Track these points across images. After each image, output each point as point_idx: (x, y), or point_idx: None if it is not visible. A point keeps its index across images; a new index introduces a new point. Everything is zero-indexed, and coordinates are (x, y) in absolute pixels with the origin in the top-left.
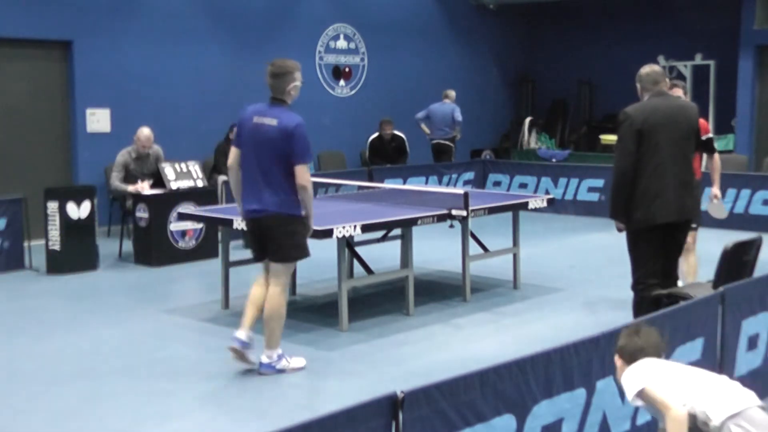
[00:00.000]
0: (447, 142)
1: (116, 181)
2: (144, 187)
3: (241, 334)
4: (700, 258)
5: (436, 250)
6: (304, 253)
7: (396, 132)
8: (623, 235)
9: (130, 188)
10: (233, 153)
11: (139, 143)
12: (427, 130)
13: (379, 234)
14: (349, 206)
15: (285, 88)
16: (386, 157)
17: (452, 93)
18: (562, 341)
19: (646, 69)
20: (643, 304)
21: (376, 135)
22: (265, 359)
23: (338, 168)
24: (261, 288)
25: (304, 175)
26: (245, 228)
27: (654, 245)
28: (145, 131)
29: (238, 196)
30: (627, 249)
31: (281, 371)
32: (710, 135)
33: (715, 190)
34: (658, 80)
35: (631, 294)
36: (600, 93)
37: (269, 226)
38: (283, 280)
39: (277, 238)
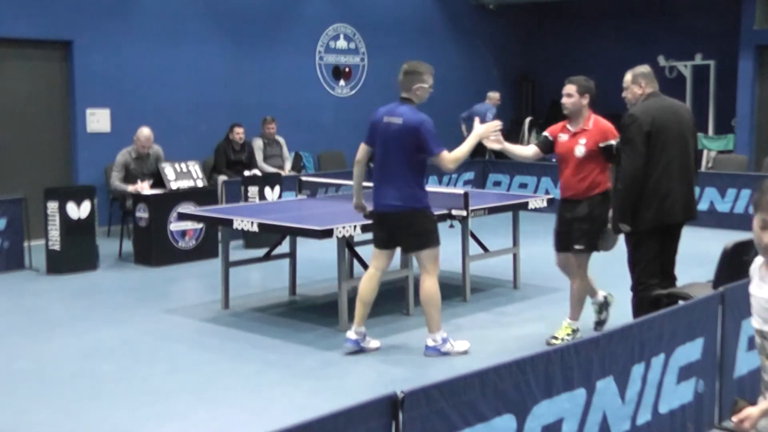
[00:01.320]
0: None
1: (116, 181)
2: (144, 187)
3: (351, 334)
4: (700, 258)
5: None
6: (435, 237)
7: None
8: (623, 235)
9: (130, 188)
10: (361, 149)
11: (138, 143)
12: (465, 132)
13: None
14: (349, 206)
15: (411, 87)
16: None
17: (494, 95)
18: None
19: (645, 69)
20: (643, 305)
21: None
22: (430, 342)
23: (338, 168)
24: (370, 282)
25: (445, 163)
26: (372, 221)
27: (657, 245)
28: (144, 131)
29: (358, 190)
30: (629, 249)
31: (446, 354)
32: (612, 142)
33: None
34: (655, 79)
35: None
36: (600, 93)
37: (399, 222)
38: (429, 267)
39: (409, 232)
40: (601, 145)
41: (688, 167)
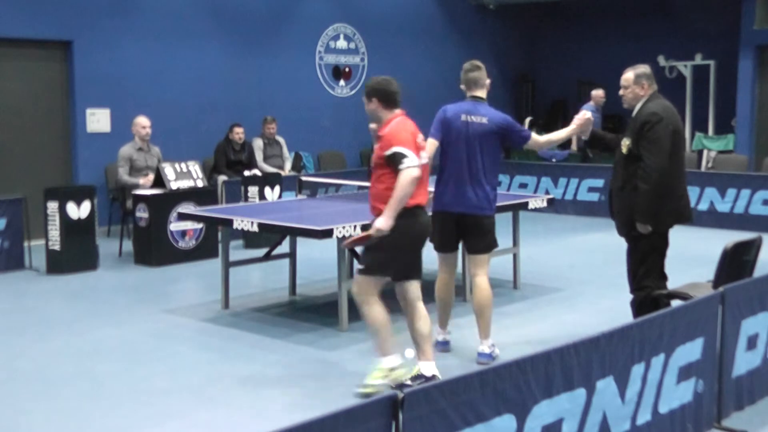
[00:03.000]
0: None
1: (124, 175)
2: (150, 180)
3: (442, 335)
4: (699, 258)
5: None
6: (496, 241)
7: None
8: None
9: (142, 180)
10: (432, 145)
11: (136, 130)
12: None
13: None
14: (349, 206)
15: (484, 84)
16: None
17: (597, 92)
18: (562, 341)
19: (647, 69)
20: (646, 305)
21: None
22: (486, 349)
23: (338, 168)
24: (448, 288)
25: (538, 145)
26: (437, 219)
27: (666, 246)
28: (141, 119)
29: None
30: (637, 250)
31: (496, 358)
32: (395, 149)
33: (380, 223)
34: (654, 80)
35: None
36: None
37: (474, 224)
38: (487, 268)
39: (481, 233)
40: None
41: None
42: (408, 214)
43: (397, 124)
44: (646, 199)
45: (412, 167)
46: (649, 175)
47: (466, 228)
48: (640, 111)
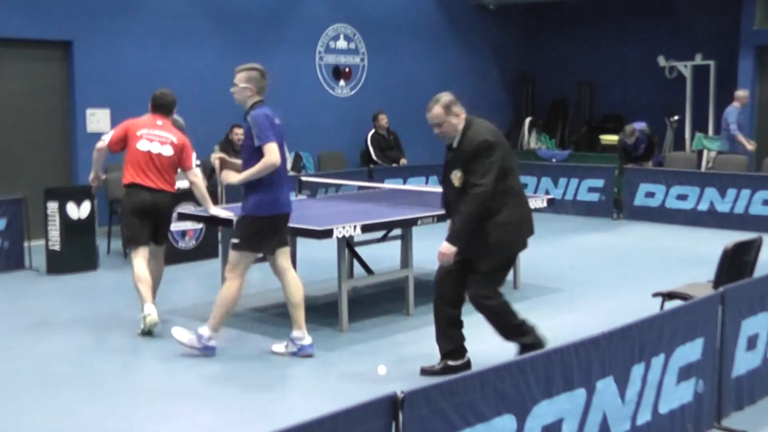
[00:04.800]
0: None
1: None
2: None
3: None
4: (699, 258)
5: (436, 251)
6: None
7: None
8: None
9: None
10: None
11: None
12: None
13: (379, 234)
14: (349, 206)
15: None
16: (390, 148)
17: (742, 93)
18: (562, 341)
19: (449, 95)
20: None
21: (372, 131)
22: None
23: (338, 168)
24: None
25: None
26: (279, 221)
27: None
28: None
29: None
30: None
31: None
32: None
33: (214, 210)
34: None
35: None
36: (600, 93)
37: (287, 221)
38: None
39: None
40: None
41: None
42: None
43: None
44: (464, 222)
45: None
46: (475, 198)
47: (284, 225)
48: (464, 139)
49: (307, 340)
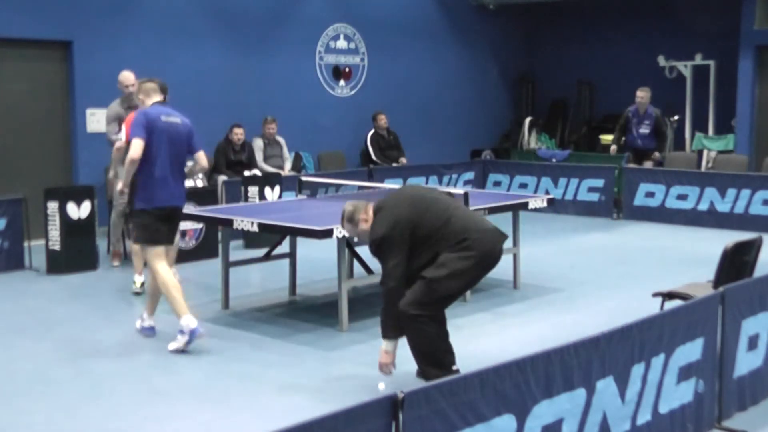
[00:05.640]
0: None
1: (113, 134)
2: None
3: (148, 321)
4: (699, 258)
5: None
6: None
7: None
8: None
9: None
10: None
11: (119, 87)
12: None
13: None
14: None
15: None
16: (390, 148)
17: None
18: (562, 341)
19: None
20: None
21: (372, 131)
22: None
23: (338, 168)
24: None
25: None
26: (163, 213)
27: None
28: (125, 73)
29: None
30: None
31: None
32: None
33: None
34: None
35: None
36: (600, 93)
37: (178, 215)
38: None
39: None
40: None
41: None
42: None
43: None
44: (383, 315)
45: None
46: (384, 294)
47: (175, 219)
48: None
49: (191, 322)
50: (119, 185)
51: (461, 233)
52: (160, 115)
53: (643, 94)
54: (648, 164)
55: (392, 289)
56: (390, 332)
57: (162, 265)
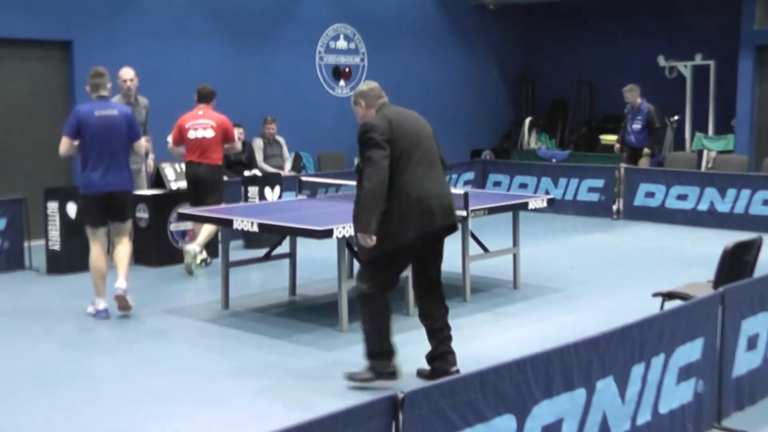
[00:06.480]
0: None
1: None
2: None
3: (102, 304)
4: (699, 258)
5: None
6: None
7: None
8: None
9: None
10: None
11: (118, 83)
12: None
13: None
14: (349, 206)
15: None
16: None
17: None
18: (562, 341)
19: (364, 86)
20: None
21: None
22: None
23: (338, 168)
24: (102, 256)
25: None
26: (97, 199)
27: (404, 261)
28: (122, 71)
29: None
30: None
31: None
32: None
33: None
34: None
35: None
36: (600, 93)
37: (122, 198)
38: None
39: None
40: None
41: None
42: None
43: None
44: (358, 206)
45: None
46: (365, 181)
47: (114, 203)
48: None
49: (100, 305)
50: None
51: (414, 190)
52: (94, 110)
53: (626, 92)
54: (643, 162)
55: (379, 184)
56: (372, 226)
57: (95, 247)
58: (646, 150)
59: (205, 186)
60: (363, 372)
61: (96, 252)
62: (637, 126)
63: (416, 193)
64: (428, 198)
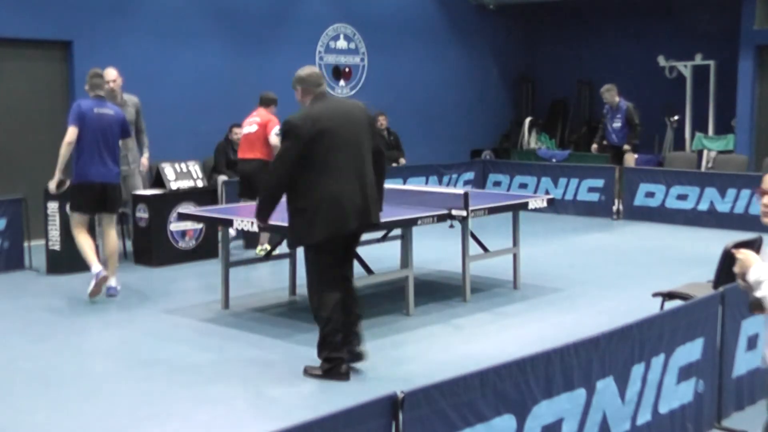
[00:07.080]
0: None
1: None
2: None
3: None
4: (699, 258)
5: (436, 251)
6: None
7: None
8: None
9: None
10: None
11: (105, 81)
12: None
13: (379, 234)
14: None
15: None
16: (389, 149)
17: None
18: (562, 341)
19: (303, 71)
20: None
21: None
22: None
23: None
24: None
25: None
26: (87, 188)
27: (329, 260)
28: (109, 69)
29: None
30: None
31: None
32: None
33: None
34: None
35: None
36: (600, 93)
37: (113, 190)
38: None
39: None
40: None
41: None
42: None
43: None
44: (260, 200)
45: None
46: (269, 174)
47: (105, 193)
48: None
49: (98, 270)
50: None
51: (327, 192)
52: (93, 107)
53: (604, 92)
54: (629, 160)
55: (279, 180)
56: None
57: (79, 230)
58: (626, 146)
59: (251, 181)
60: (317, 367)
61: (81, 232)
62: (617, 125)
63: (329, 194)
64: (341, 199)
